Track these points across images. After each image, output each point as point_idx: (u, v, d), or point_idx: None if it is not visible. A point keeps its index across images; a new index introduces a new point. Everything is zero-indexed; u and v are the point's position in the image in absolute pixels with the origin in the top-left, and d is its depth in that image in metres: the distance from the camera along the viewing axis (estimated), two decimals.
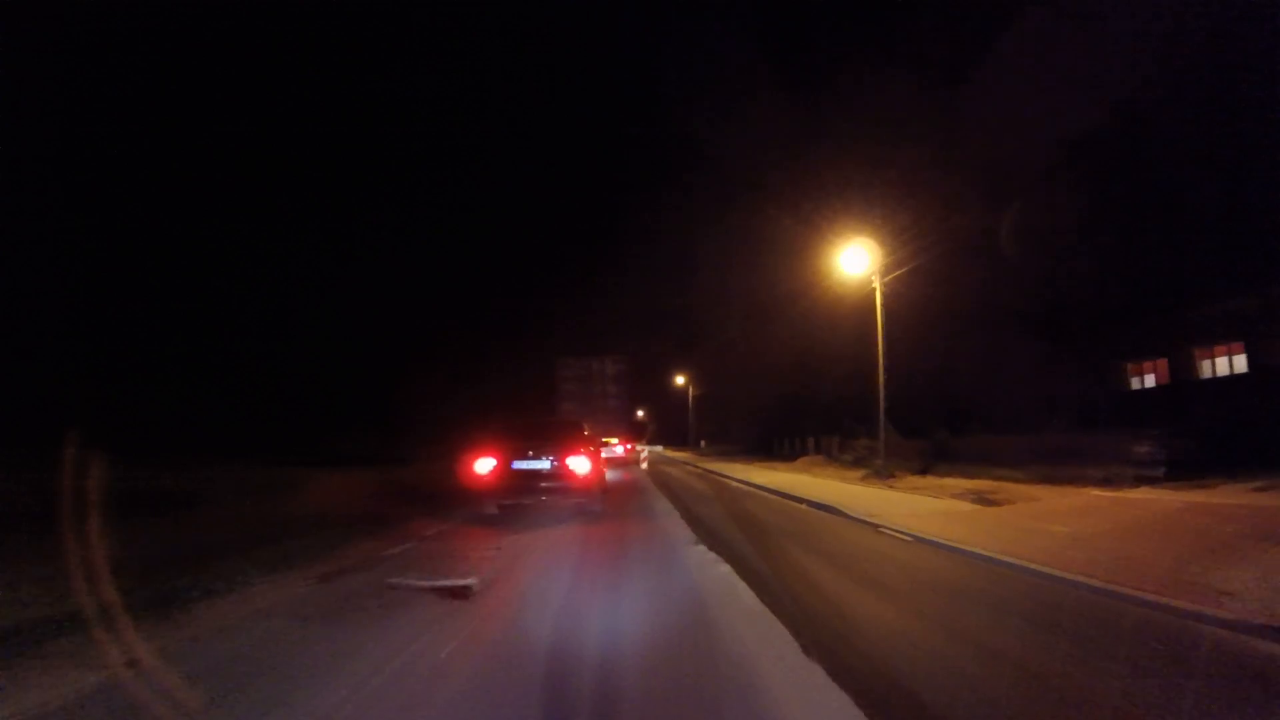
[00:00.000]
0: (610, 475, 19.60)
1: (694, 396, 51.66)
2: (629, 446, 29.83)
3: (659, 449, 41.95)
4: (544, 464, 9.21)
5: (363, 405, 27.22)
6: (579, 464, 9.27)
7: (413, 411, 28.15)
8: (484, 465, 9.18)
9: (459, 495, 11.05)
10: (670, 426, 66.46)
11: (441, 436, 22.01)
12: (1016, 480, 14.61)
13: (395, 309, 31.84)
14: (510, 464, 9.16)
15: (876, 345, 19.09)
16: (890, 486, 14.62)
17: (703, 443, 51.44)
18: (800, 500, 11.91)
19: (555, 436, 9.87)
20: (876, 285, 17.96)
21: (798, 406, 31.66)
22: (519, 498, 9.34)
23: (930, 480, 16.22)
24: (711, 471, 21.98)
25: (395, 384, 28.91)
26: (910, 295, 19.86)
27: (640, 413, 62.17)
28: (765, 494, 13.87)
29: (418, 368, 31.19)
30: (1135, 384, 23.41)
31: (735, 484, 16.83)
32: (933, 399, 21.46)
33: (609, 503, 11.11)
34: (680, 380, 52.55)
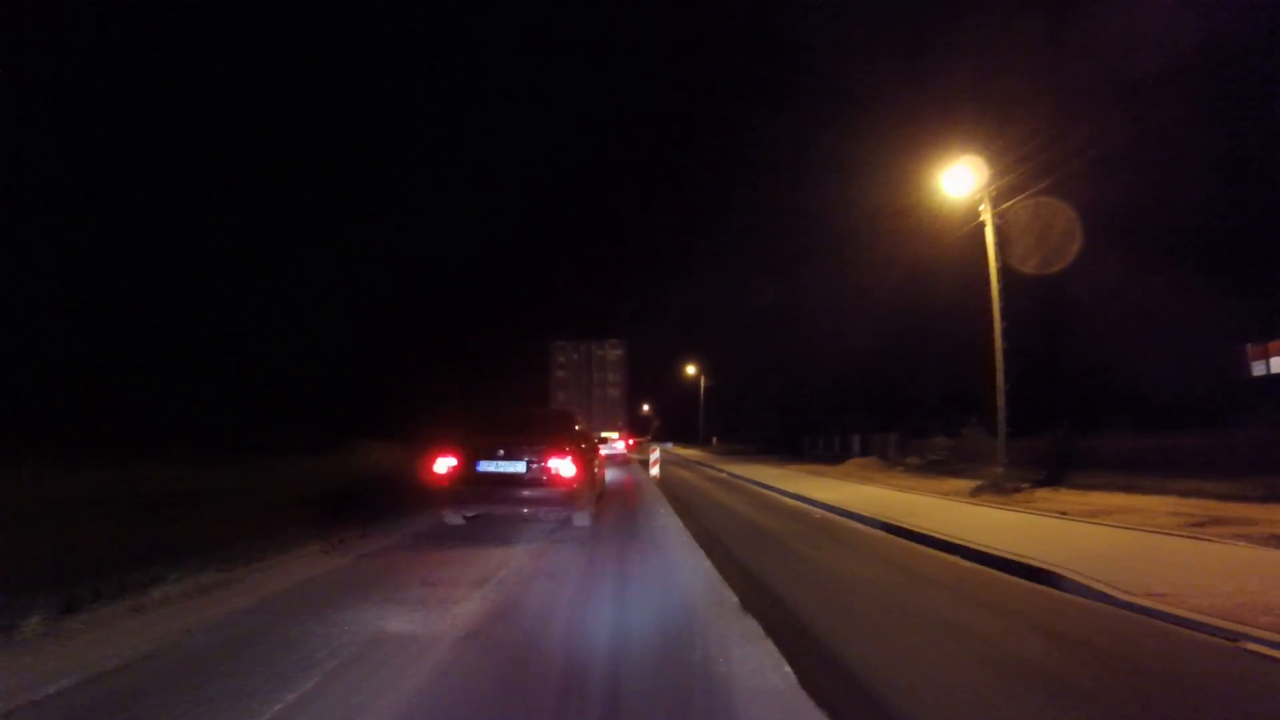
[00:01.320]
0: (610, 475, 14.62)
1: (705, 388, 46.30)
2: (630, 442, 25.33)
3: (668, 446, 36.61)
4: (517, 466, 7.19)
5: (319, 392, 21.85)
6: (564, 468, 7.21)
7: (382, 399, 23.10)
8: (443, 465, 7.28)
9: (419, 498, 9.08)
10: (675, 422, 61.24)
11: (413, 428, 17.47)
12: (1222, 497, 9.58)
13: (362, 282, 26.56)
14: (474, 465, 7.23)
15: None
16: (1040, 510, 9.22)
17: (714, 439, 46.11)
18: (944, 545, 6.56)
19: (537, 431, 7.85)
20: (986, 216, 12.56)
21: (836, 397, 26.23)
22: (486, 506, 7.47)
23: (1082, 497, 10.93)
24: (741, 478, 16.54)
25: (359, 367, 23.65)
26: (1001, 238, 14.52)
27: (646, 407, 57.01)
28: (856, 526, 8.46)
29: (391, 349, 26.02)
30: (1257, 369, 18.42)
31: (789, 502, 11.41)
32: (1041, 384, 15.99)
33: (607, 528, 7.71)
34: (690, 370, 47.25)
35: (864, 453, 21.60)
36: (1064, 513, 8.75)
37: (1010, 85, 15.49)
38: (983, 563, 5.77)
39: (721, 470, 19.64)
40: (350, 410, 19.24)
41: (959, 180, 12.68)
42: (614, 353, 24.59)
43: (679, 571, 5.16)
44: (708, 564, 5.35)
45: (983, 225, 12.89)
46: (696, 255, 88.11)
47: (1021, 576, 5.26)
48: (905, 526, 7.51)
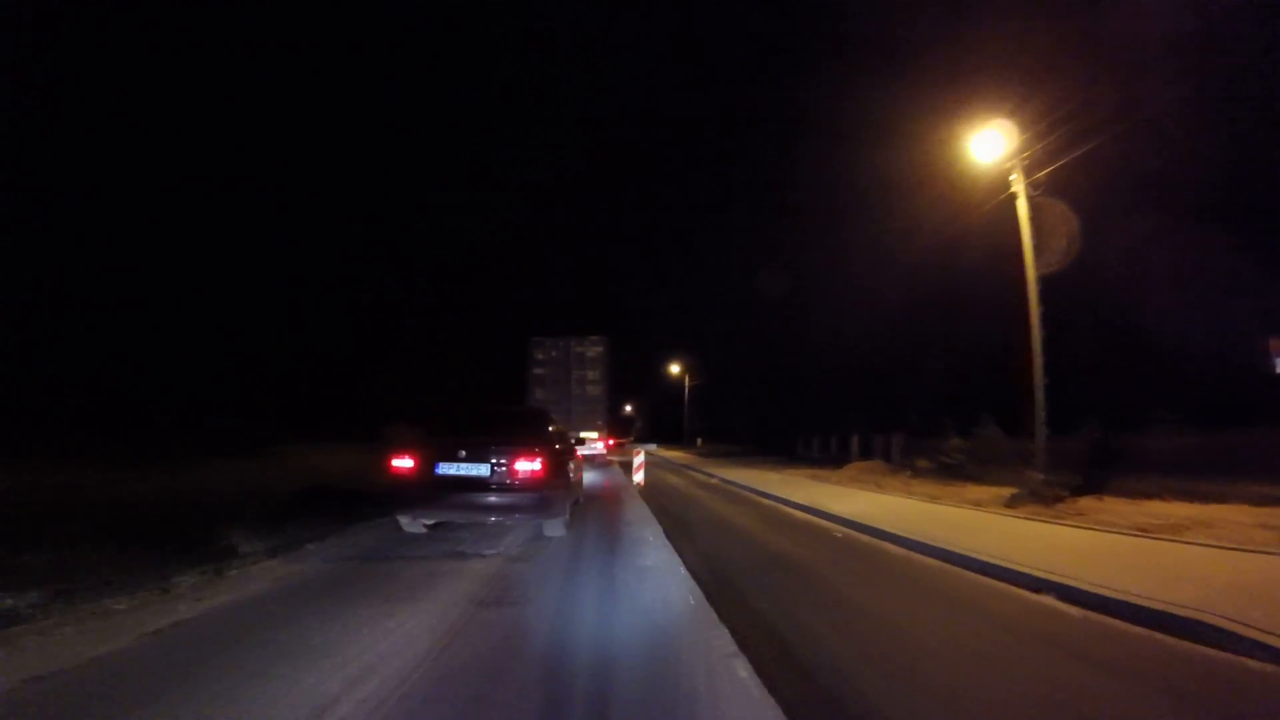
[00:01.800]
0: (590, 478, 12.90)
1: (690, 388, 44.66)
2: (611, 443, 24.06)
3: (652, 447, 34.77)
4: (481, 469, 6.31)
5: (261, 387, 19.74)
6: (535, 472, 6.29)
7: (337, 396, 21.17)
8: (398, 467, 6.50)
9: (375, 502, 8.29)
10: (658, 422, 59.58)
11: (371, 428, 15.75)
12: None
13: (317, 268, 24.50)
14: (433, 467, 6.39)
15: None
16: (1104, 525, 7.66)
17: (699, 441, 44.45)
18: (1027, 580, 4.98)
19: (505, 431, 6.98)
20: (1019, 186, 11.03)
21: (831, 395, 24.69)
22: (446, 513, 6.62)
23: (1136, 507, 9.45)
24: (736, 484, 14.86)
25: (311, 362, 21.64)
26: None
27: (629, 408, 55.29)
28: (894, 550, 6.78)
29: (351, 343, 24.01)
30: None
31: (800, 515, 9.72)
32: (1060, 377, 14.53)
33: (578, 567, 5.59)
34: (675, 370, 45.56)
35: (864, 454, 20.03)
36: (1143, 529, 7.18)
37: (1046, 44, 13.88)
38: (1104, 611, 4.15)
39: (712, 475, 17.96)
40: (298, 408, 17.27)
41: (987, 147, 11.13)
42: (595, 350, 23.41)
43: (687, 671, 3.09)
44: (743, 672, 3.08)
45: (1010, 200, 11.39)
46: (683, 254, 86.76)
47: (1171, 633, 3.70)
48: (961, 553, 5.87)
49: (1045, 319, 13.77)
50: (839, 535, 7.53)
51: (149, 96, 18.09)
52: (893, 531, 7.13)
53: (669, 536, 6.93)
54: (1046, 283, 14.60)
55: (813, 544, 6.91)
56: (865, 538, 7.31)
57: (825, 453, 23.69)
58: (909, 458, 17.29)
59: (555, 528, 6.86)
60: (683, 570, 5.23)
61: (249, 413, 16.46)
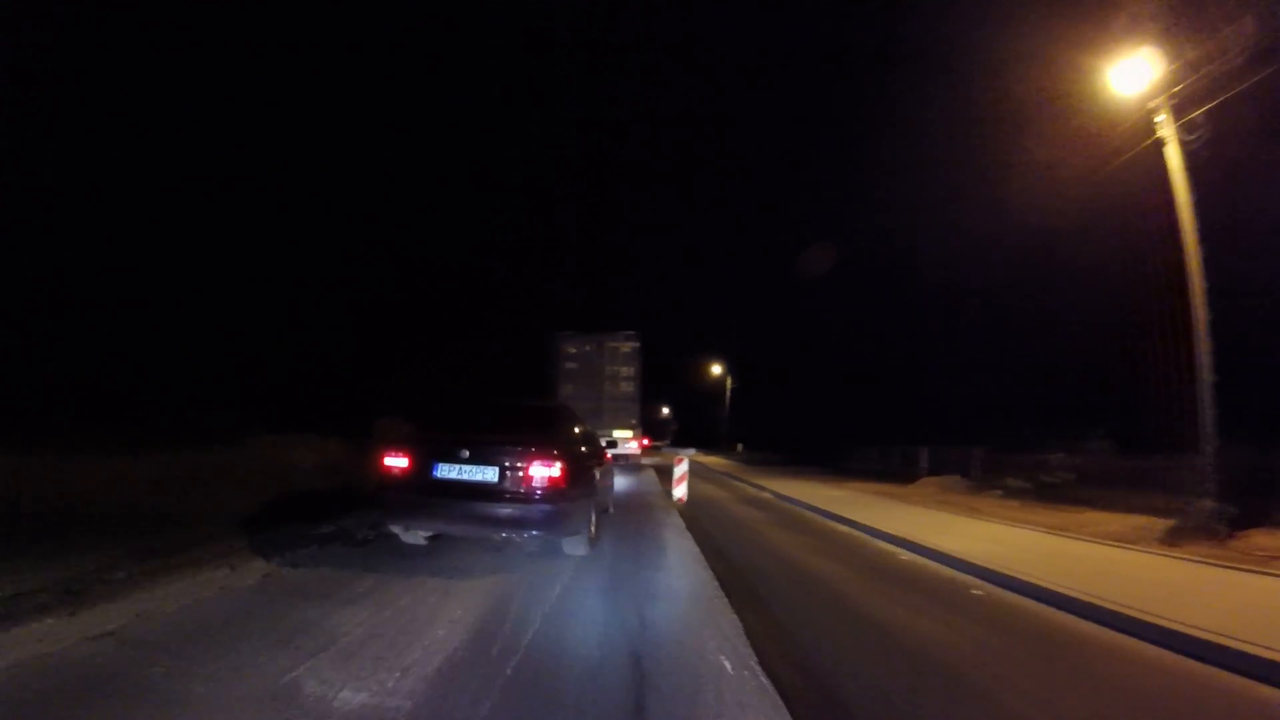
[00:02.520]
0: (620, 483, 11.54)
1: (731, 390, 42.34)
2: (644, 442, 22.48)
3: (692, 452, 32.31)
4: (488, 473, 5.22)
5: (250, 369, 18.18)
6: (553, 479, 5.16)
7: (340, 384, 19.79)
8: (390, 467, 5.44)
9: (360, 505, 7.06)
10: (692, 426, 57.25)
11: (372, 420, 14.17)
12: None
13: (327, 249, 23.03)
14: (429, 469, 5.32)
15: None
16: None
17: (739, 447, 42.06)
18: None
19: (519, 429, 5.68)
20: (1168, 130, 8.65)
21: (883, 401, 22.27)
22: (441, 524, 5.62)
23: None
24: (793, 502, 12.63)
25: (309, 343, 20.18)
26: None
27: (666, 410, 53.12)
28: (1091, 632, 4.54)
29: (357, 328, 22.60)
30: None
31: (900, 554, 7.48)
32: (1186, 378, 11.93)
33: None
34: (716, 370, 43.26)
35: (934, 469, 17.56)
36: None
37: None
38: None
39: (763, 487, 15.74)
40: (293, 399, 15.63)
41: (1121, 80, 8.80)
42: (629, 345, 21.78)
43: None
44: None
45: (1150, 149, 9.01)
46: (715, 252, 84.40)
47: None
48: (1230, 645, 3.64)
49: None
50: (978, 594, 5.29)
51: (149, 94, 16.95)
52: (1062, 593, 4.90)
53: (728, 596, 4.72)
54: (1135, 253, 12.02)
55: (953, 618, 4.57)
56: (1023, 601, 5.05)
57: (883, 464, 21.22)
58: (993, 475, 14.81)
59: (575, 545, 5.83)
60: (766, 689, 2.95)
61: (238, 401, 14.84)
